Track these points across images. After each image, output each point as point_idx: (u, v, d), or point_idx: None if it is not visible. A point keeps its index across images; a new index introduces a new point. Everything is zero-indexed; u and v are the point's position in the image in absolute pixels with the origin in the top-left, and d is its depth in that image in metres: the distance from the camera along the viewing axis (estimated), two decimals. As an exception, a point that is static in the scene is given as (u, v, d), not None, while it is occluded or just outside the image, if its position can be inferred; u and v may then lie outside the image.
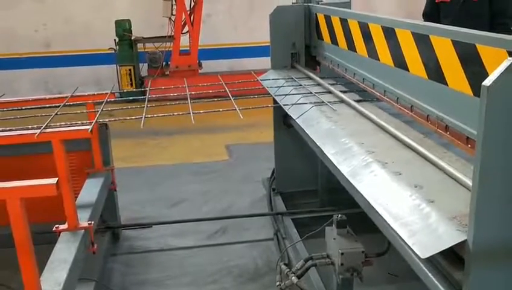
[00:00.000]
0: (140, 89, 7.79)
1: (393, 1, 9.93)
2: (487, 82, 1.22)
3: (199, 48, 8.53)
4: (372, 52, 2.74)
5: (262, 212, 4.12)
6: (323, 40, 3.68)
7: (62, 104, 3.15)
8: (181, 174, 5.20)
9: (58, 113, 2.98)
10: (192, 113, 2.88)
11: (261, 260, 3.54)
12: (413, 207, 1.56)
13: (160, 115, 3.09)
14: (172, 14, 8.24)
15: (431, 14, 4.40)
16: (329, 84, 3.27)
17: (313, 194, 4.01)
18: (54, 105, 3.23)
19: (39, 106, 3.31)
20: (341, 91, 3.07)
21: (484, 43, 1.65)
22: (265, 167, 4.59)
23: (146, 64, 8.68)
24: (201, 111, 2.98)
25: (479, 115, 1.25)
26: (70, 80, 9.01)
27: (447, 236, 1.36)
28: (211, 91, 3.44)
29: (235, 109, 2.85)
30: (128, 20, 8.45)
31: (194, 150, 5.95)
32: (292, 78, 3.54)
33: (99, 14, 9.19)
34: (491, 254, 1.32)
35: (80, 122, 2.90)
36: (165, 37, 8.35)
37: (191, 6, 8.30)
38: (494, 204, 1.29)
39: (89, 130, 2.63)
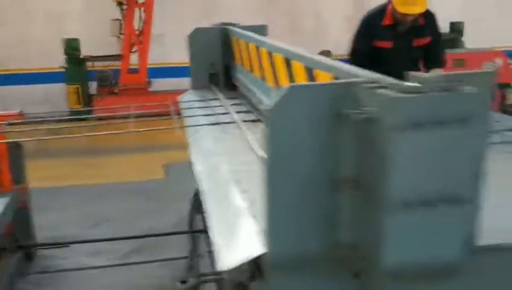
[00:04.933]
0: (75, 109, 7.74)
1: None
2: (269, 106, 1.28)
3: (152, 66, 8.60)
4: (277, 82, 2.79)
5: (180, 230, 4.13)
6: (236, 62, 3.76)
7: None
8: (112, 193, 5.19)
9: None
10: (112, 133, 2.91)
11: (172, 279, 3.54)
12: (238, 222, 1.62)
13: (85, 134, 3.10)
14: (121, 34, 8.29)
15: (364, 53, 3.97)
16: (233, 104, 3.33)
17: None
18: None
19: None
20: (242, 112, 3.14)
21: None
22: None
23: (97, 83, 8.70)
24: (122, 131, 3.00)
25: (265, 138, 1.31)
26: (24, 98, 8.95)
27: (250, 249, 1.42)
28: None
29: (128, 131, 2.89)
30: (77, 39, 8.46)
31: (131, 169, 5.95)
32: (205, 99, 3.60)
33: (53, 33, 9.18)
34: (287, 265, 1.38)
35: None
36: (114, 55, 8.38)
37: (140, 25, 8.36)
38: (285, 219, 1.35)
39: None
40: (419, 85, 1.14)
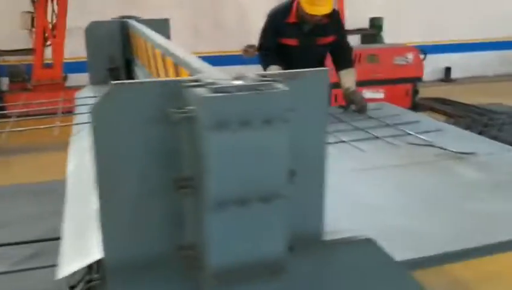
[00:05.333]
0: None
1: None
2: (93, 106, 1.23)
3: (69, 60, 8.26)
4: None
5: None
6: (134, 57, 3.67)
7: None
8: (16, 195, 4.94)
9: None
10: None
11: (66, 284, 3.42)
12: (88, 226, 1.56)
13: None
14: (33, 27, 7.91)
15: (271, 49, 3.97)
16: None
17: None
18: None
19: None
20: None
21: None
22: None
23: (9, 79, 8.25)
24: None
25: (91, 140, 1.25)
26: None
27: (89, 255, 1.37)
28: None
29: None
30: (-16, 32, 8.00)
31: (40, 168, 5.68)
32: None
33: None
34: (127, 269, 1.33)
35: None
36: (27, 49, 7.98)
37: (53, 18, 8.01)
38: (121, 223, 1.30)
39: None
40: (236, 84, 1.12)
